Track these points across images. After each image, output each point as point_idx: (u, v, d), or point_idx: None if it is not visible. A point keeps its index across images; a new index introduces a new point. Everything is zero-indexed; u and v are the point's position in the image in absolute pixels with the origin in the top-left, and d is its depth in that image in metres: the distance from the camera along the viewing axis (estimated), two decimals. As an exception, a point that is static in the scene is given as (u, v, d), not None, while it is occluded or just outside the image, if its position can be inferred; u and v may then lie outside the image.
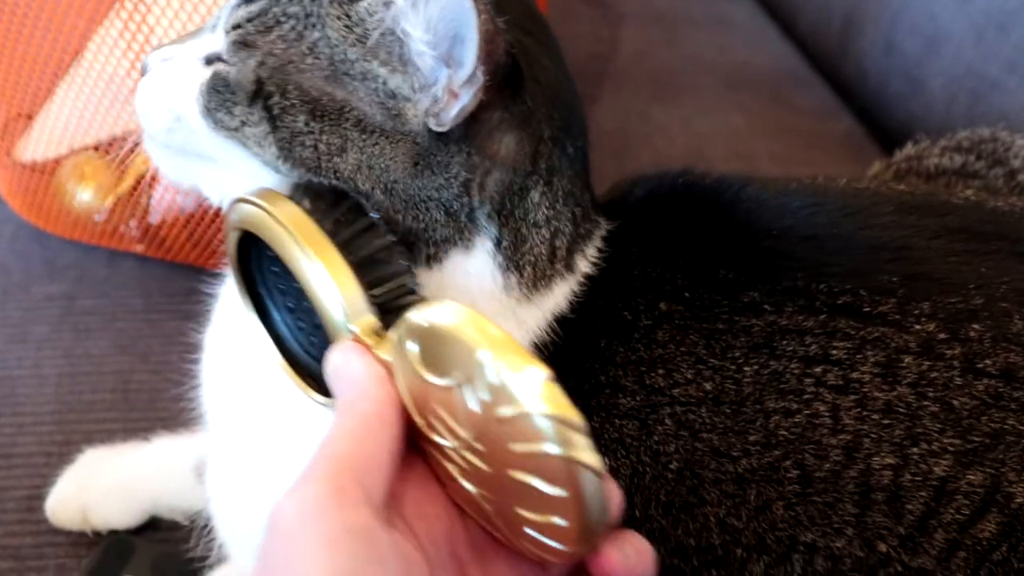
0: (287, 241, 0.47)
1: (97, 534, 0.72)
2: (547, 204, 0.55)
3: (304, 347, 0.53)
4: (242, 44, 0.53)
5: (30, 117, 0.88)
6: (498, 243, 0.54)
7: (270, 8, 0.53)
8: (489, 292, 0.54)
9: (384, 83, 0.51)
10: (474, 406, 0.40)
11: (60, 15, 0.79)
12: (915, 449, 0.52)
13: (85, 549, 0.72)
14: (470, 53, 0.48)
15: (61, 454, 0.76)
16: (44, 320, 0.88)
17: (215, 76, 0.54)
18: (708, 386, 0.54)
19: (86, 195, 0.88)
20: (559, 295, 0.56)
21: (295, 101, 0.52)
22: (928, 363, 0.53)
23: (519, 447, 0.39)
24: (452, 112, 0.50)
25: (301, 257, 0.47)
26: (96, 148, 0.86)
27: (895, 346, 0.54)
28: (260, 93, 0.52)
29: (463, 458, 0.42)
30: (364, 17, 0.51)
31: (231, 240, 0.52)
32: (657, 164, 1.14)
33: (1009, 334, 0.54)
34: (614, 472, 0.54)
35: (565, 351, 0.55)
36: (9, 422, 0.80)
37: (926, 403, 0.53)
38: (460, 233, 0.53)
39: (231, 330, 0.62)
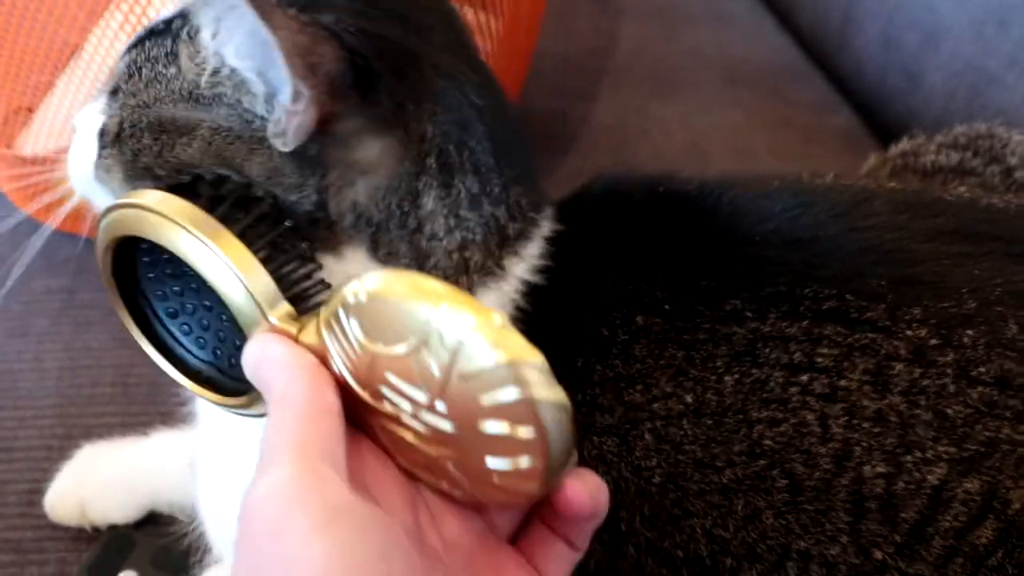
0: (180, 235, 0.45)
1: (96, 529, 0.73)
2: (446, 210, 0.53)
3: (194, 353, 0.52)
4: (114, 92, 0.55)
5: (30, 110, 0.88)
6: (374, 251, 0.52)
7: (138, 55, 0.55)
8: None
9: (239, 105, 0.51)
10: (433, 367, 0.40)
11: (60, 8, 0.79)
12: (908, 457, 0.52)
13: (85, 543, 0.72)
14: (283, 72, 0.46)
15: (62, 448, 0.76)
16: (44, 314, 0.88)
17: (98, 129, 0.55)
18: (688, 398, 0.54)
19: (86, 189, 0.88)
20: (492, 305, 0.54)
21: (144, 128, 0.52)
22: (920, 370, 0.52)
23: (483, 397, 0.39)
24: (290, 131, 0.48)
25: (201, 249, 0.45)
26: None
27: (885, 353, 0.53)
28: (120, 133, 0.53)
29: (422, 421, 0.42)
30: (201, 49, 0.52)
31: (105, 258, 0.50)
32: (656, 159, 1.15)
33: (1004, 339, 0.53)
34: None
35: None
36: (10, 416, 0.80)
37: (918, 411, 0.52)
38: (325, 241, 0.52)
39: None
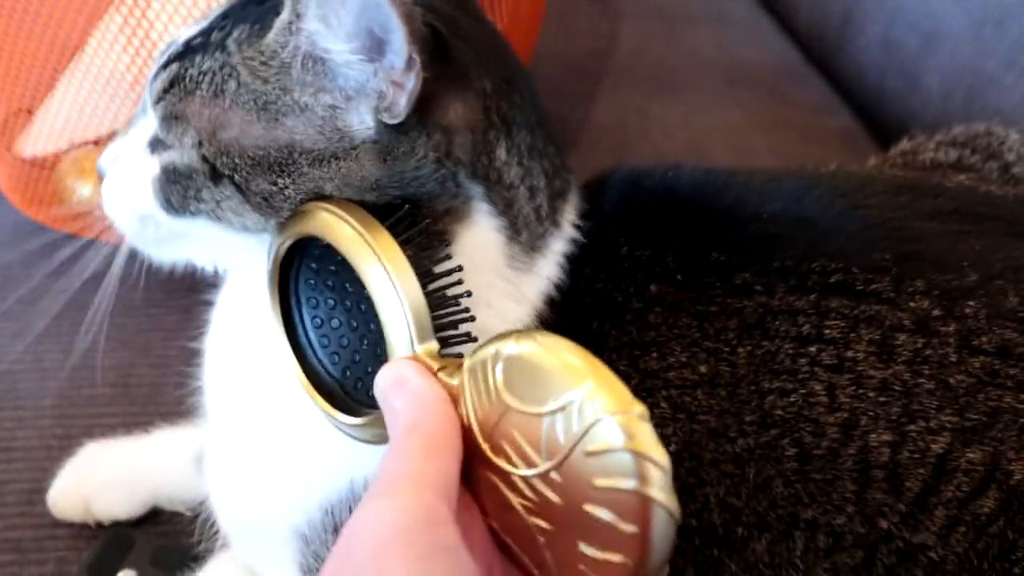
0: (366, 256, 0.47)
1: (99, 525, 0.73)
2: (516, 160, 0.54)
3: (324, 365, 0.53)
4: (172, 118, 0.53)
5: (30, 112, 0.88)
6: (493, 205, 0.54)
7: (184, 71, 0.53)
8: (497, 266, 0.54)
9: (317, 106, 0.50)
10: (561, 436, 0.40)
11: (60, 10, 0.79)
12: (912, 427, 0.53)
13: (85, 542, 0.72)
14: (400, 41, 0.47)
15: (61, 448, 0.77)
16: (44, 314, 0.88)
17: (165, 169, 0.53)
18: (703, 368, 0.54)
19: (86, 190, 0.88)
20: (552, 261, 0.56)
21: (249, 167, 0.51)
22: (923, 340, 0.53)
23: (599, 480, 0.39)
24: (402, 101, 0.49)
25: (380, 276, 0.47)
26: (96, 143, 0.86)
27: (889, 324, 0.54)
28: (217, 172, 0.52)
29: (531, 486, 0.42)
30: (276, 50, 0.51)
31: (283, 245, 0.51)
32: (656, 159, 1.15)
33: (1004, 311, 0.54)
34: None
35: (559, 331, 0.55)
36: (10, 416, 0.80)
37: (922, 380, 0.53)
38: (456, 201, 0.53)
39: (234, 328, 0.63)
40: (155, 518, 0.74)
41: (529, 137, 0.55)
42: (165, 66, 0.54)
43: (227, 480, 0.63)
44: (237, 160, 0.51)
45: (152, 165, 0.54)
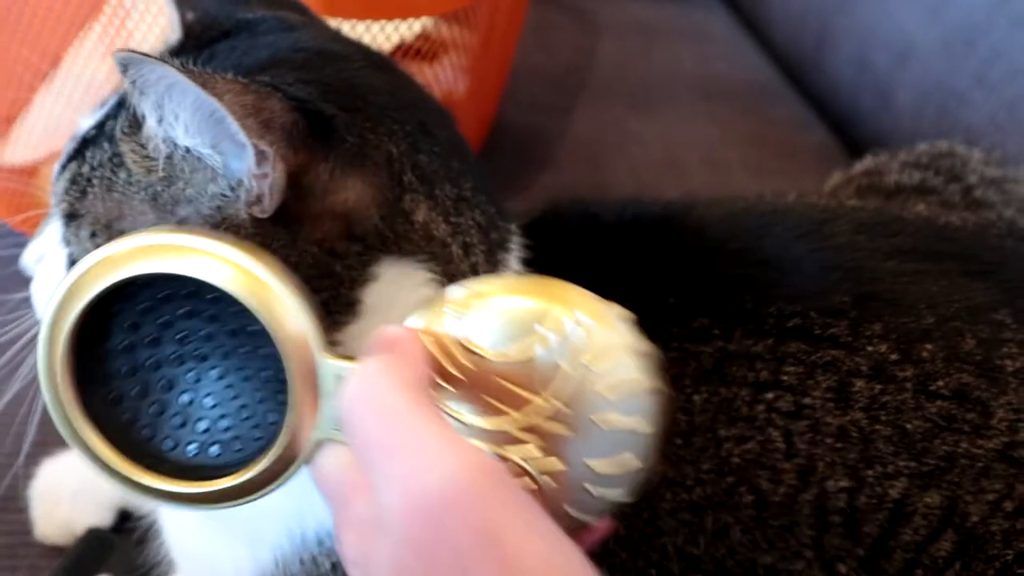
0: (230, 269, 0.42)
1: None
2: (441, 218, 0.51)
3: (170, 435, 0.46)
4: (70, 217, 0.51)
5: (10, 121, 0.88)
6: (424, 268, 0.51)
7: (79, 170, 0.51)
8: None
9: (204, 196, 0.48)
10: (555, 361, 0.40)
11: (40, 20, 0.80)
12: (870, 472, 0.53)
13: (59, 550, 0.72)
14: (239, 136, 0.44)
15: (35, 455, 0.76)
16: (21, 323, 0.88)
17: (68, 261, 0.52)
18: None
19: (65, 198, 0.88)
20: None
21: None
22: (880, 386, 0.54)
23: (606, 388, 0.40)
24: (265, 194, 0.46)
25: (260, 288, 0.42)
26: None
27: (847, 369, 0.54)
28: None
29: (532, 428, 0.41)
30: (152, 141, 0.49)
31: (68, 321, 0.44)
32: (632, 173, 1.16)
33: (961, 353, 0.54)
34: None
35: None
36: (-19, 424, 0.80)
37: (879, 427, 0.53)
38: (367, 274, 0.49)
39: None
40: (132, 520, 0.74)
41: (455, 190, 0.52)
42: (64, 166, 0.52)
43: (178, 517, 0.61)
44: None
45: (62, 258, 0.53)
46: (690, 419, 0.54)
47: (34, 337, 0.58)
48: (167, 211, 0.49)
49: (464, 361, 0.41)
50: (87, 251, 0.49)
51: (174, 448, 0.46)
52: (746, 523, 0.54)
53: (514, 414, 0.41)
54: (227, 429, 0.46)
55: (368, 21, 0.82)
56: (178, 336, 0.45)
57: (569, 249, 0.59)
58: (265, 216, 0.46)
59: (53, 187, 0.53)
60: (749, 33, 1.53)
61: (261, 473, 0.44)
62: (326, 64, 0.52)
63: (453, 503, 0.35)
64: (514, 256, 0.56)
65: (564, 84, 1.31)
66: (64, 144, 0.87)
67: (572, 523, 0.42)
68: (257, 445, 0.45)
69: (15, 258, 0.94)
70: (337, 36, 0.59)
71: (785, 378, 0.54)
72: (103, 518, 0.73)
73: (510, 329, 0.41)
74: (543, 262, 0.57)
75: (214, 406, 0.46)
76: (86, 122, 0.54)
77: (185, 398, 0.46)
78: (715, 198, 0.66)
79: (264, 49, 0.53)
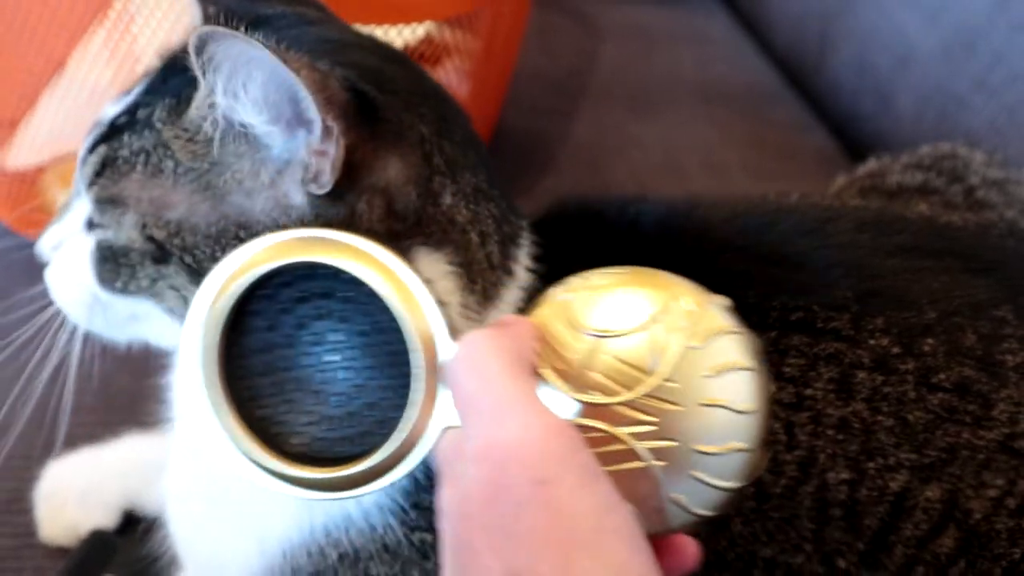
0: (384, 273, 0.45)
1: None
2: (463, 204, 0.52)
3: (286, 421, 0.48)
4: (107, 202, 0.51)
5: (14, 124, 0.89)
6: (445, 252, 0.52)
7: (116, 152, 0.51)
8: (448, 314, 0.52)
9: (257, 180, 0.49)
10: (666, 340, 0.43)
11: (44, 24, 0.80)
12: (871, 464, 0.53)
13: (63, 552, 0.72)
14: (311, 112, 0.46)
15: (41, 457, 0.77)
16: (26, 323, 0.89)
17: (98, 246, 0.52)
18: None
19: (69, 202, 0.89)
20: (507, 309, 0.55)
21: (203, 248, 0.50)
22: (882, 378, 0.54)
23: (711, 370, 0.43)
24: (326, 171, 0.47)
25: (404, 285, 0.45)
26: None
27: (849, 361, 0.54)
28: (166, 252, 0.50)
29: (641, 408, 0.43)
30: (200, 125, 0.50)
31: (231, 291, 0.46)
32: (633, 176, 1.17)
33: (962, 348, 0.55)
34: None
35: None
36: (-12, 425, 0.80)
37: (880, 418, 0.53)
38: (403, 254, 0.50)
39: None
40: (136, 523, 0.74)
41: (473, 179, 0.54)
42: (92, 148, 0.53)
43: (185, 510, 0.62)
44: (191, 239, 0.50)
45: (88, 243, 0.53)
46: None
47: (45, 342, 0.59)
48: (220, 198, 0.50)
49: (576, 343, 0.44)
50: (130, 239, 0.51)
51: (304, 444, 0.48)
52: (746, 515, 0.54)
53: (625, 393, 0.43)
54: (354, 425, 0.48)
55: (372, 25, 0.82)
56: (311, 336, 0.48)
57: (575, 246, 0.59)
58: (323, 192, 0.48)
59: (79, 170, 0.53)
60: (749, 36, 1.53)
61: (384, 460, 0.46)
62: (352, 53, 0.54)
63: (517, 453, 0.38)
64: (524, 251, 0.57)
65: (565, 88, 1.31)
66: (69, 146, 0.88)
67: (677, 517, 0.44)
68: (382, 438, 0.47)
69: (17, 260, 0.95)
70: (354, 31, 0.60)
71: (787, 370, 0.55)
72: (108, 520, 0.73)
73: (622, 313, 0.44)
74: (551, 258, 0.58)
75: (343, 403, 0.48)
76: (111, 108, 0.54)
77: (315, 396, 0.48)
78: (719, 197, 0.67)
79: (291, 41, 0.53)
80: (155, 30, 0.79)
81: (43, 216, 0.91)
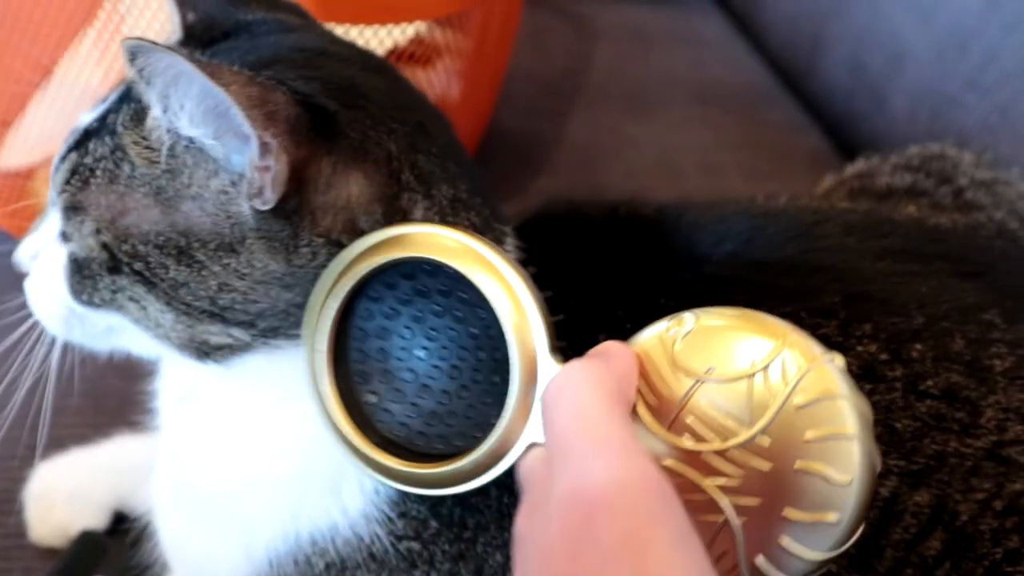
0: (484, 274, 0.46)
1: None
2: (438, 218, 0.52)
3: (392, 410, 0.50)
4: (71, 209, 0.51)
5: (5, 125, 0.89)
6: None
7: (82, 159, 0.51)
8: None
9: (208, 190, 0.49)
10: (767, 394, 0.41)
11: (35, 25, 0.80)
12: None
13: (53, 552, 0.72)
14: (243, 126, 0.45)
15: (29, 458, 0.76)
16: (15, 327, 0.88)
17: (68, 258, 0.52)
18: None
19: (60, 202, 0.88)
20: None
21: (151, 254, 0.50)
22: (870, 386, 0.54)
23: (812, 433, 0.40)
24: (267, 186, 0.47)
25: (511, 287, 0.46)
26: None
27: None
28: (116, 260, 0.50)
29: (731, 460, 0.41)
30: (154, 133, 0.49)
31: (352, 277, 0.47)
32: (628, 177, 1.17)
33: (951, 353, 0.55)
34: None
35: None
36: (-24, 427, 0.80)
37: None
38: None
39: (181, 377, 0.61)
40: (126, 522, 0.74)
41: (451, 191, 0.53)
42: (64, 157, 0.53)
43: (172, 517, 0.62)
44: (139, 247, 0.50)
45: (61, 254, 0.53)
46: None
47: (33, 343, 0.59)
48: (171, 206, 0.49)
49: (675, 381, 0.42)
50: (88, 248, 0.51)
51: (403, 434, 0.49)
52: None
53: (716, 443, 0.42)
54: (452, 425, 0.48)
55: (362, 25, 0.82)
56: (427, 331, 0.48)
57: (563, 250, 0.59)
58: (266, 208, 0.47)
59: (52, 179, 0.53)
60: (743, 37, 1.53)
61: (471, 464, 0.46)
62: (327, 64, 0.53)
63: (607, 505, 0.36)
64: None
65: (559, 88, 1.31)
66: (59, 149, 0.88)
67: None
68: (470, 443, 0.47)
69: (7, 261, 0.95)
70: (335, 39, 0.59)
71: None
72: (98, 520, 0.73)
73: (728, 357, 0.42)
74: (537, 263, 0.57)
75: (446, 402, 0.48)
76: (87, 115, 0.54)
77: (422, 391, 0.49)
78: (707, 201, 0.66)
79: (266, 48, 0.53)
80: (145, 31, 0.79)
81: (35, 217, 0.91)
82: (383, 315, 0.48)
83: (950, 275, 0.59)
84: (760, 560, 0.41)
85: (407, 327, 0.48)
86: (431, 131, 0.54)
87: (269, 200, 0.47)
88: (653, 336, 0.44)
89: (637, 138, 1.25)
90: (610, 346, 0.44)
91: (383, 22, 0.82)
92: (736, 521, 0.41)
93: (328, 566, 0.54)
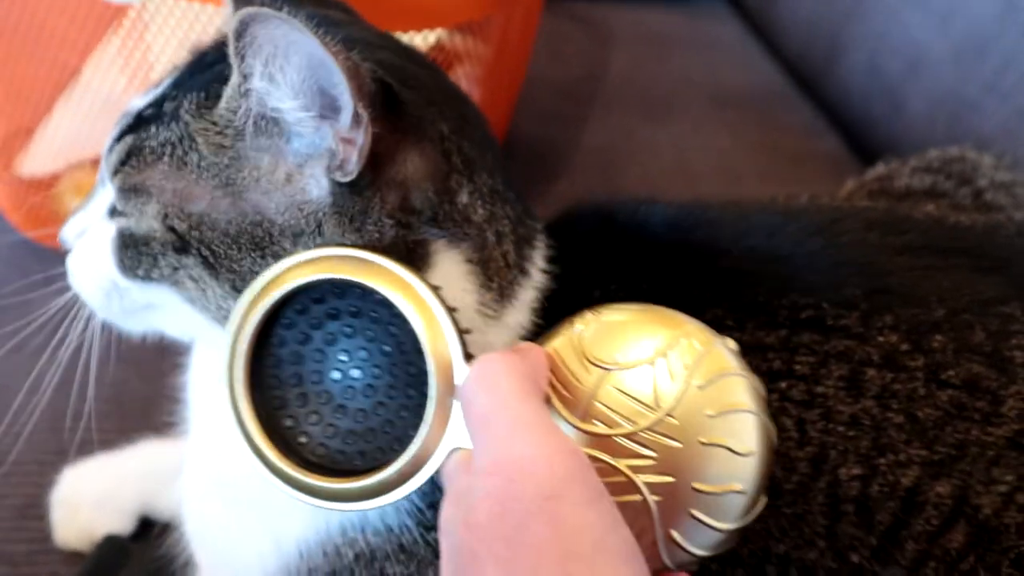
0: (398, 292, 0.46)
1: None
2: (479, 203, 0.54)
3: (308, 432, 0.49)
4: (131, 190, 0.52)
5: (29, 132, 0.89)
6: (462, 250, 0.53)
7: (142, 142, 0.52)
8: (466, 313, 0.53)
9: (276, 177, 0.50)
10: (672, 376, 0.44)
11: (60, 32, 0.81)
12: (882, 460, 0.53)
13: (79, 557, 0.73)
14: (345, 97, 0.46)
15: (56, 463, 0.77)
16: (40, 331, 0.89)
17: (119, 233, 0.53)
18: None
19: (83, 209, 0.89)
20: (521, 310, 0.56)
21: (222, 241, 0.51)
22: (892, 375, 0.54)
23: (714, 409, 0.44)
24: (353, 158, 0.48)
25: (422, 303, 0.46)
26: (94, 163, 0.88)
27: (858, 359, 0.55)
28: (185, 243, 0.51)
29: (641, 443, 0.44)
30: (229, 118, 0.50)
31: (265, 301, 0.47)
32: (645, 182, 1.17)
33: (971, 344, 0.55)
34: None
35: None
36: (5, 431, 0.80)
37: (891, 415, 0.54)
38: (421, 249, 0.51)
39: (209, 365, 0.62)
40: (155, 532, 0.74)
41: (490, 180, 0.55)
42: (119, 138, 0.53)
43: (201, 510, 0.62)
44: (209, 234, 0.51)
45: (110, 230, 0.54)
46: None
47: (55, 348, 0.59)
48: (237, 195, 0.50)
49: (585, 373, 0.45)
50: (151, 228, 0.52)
51: (323, 455, 0.49)
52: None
53: (627, 426, 0.44)
54: (371, 441, 0.49)
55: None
56: (340, 353, 0.49)
57: (589, 248, 0.60)
58: (347, 180, 0.49)
59: (105, 159, 0.54)
60: (760, 41, 1.53)
61: (394, 475, 0.46)
62: (378, 53, 0.54)
63: (528, 469, 0.39)
64: (539, 252, 0.58)
65: (576, 93, 1.31)
66: (83, 154, 0.89)
67: (673, 555, 0.44)
68: (393, 455, 0.47)
69: (33, 266, 0.95)
70: (382, 33, 0.60)
71: (798, 367, 0.55)
72: (123, 525, 0.74)
73: (630, 347, 0.45)
74: (565, 260, 0.58)
75: (363, 420, 0.49)
76: (138, 101, 0.55)
77: (339, 411, 0.49)
78: (728, 200, 0.67)
79: None
80: (168, 38, 0.80)
81: (58, 222, 0.92)
82: (296, 341, 0.49)
83: (970, 270, 0.59)
84: (675, 534, 0.44)
85: (319, 350, 0.49)
86: (472, 121, 0.56)
87: (351, 172, 0.48)
88: (561, 335, 0.47)
89: (654, 142, 1.25)
90: (521, 344, 0.47)
91: (406, 30, 0.83)
92: (652, 499, 0.44)
93: (357, 556, 0.55)
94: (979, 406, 0.54)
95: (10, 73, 0.85)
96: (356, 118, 0.47)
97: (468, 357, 0.46)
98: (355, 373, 0.49)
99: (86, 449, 0.78)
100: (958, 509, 0.53)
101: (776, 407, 0.54)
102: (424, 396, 0.46)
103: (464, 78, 0.95)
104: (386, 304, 0.47)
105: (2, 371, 0.86)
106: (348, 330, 0.49)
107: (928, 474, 0.53)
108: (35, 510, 0.74)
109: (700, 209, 0.63)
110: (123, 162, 0.53)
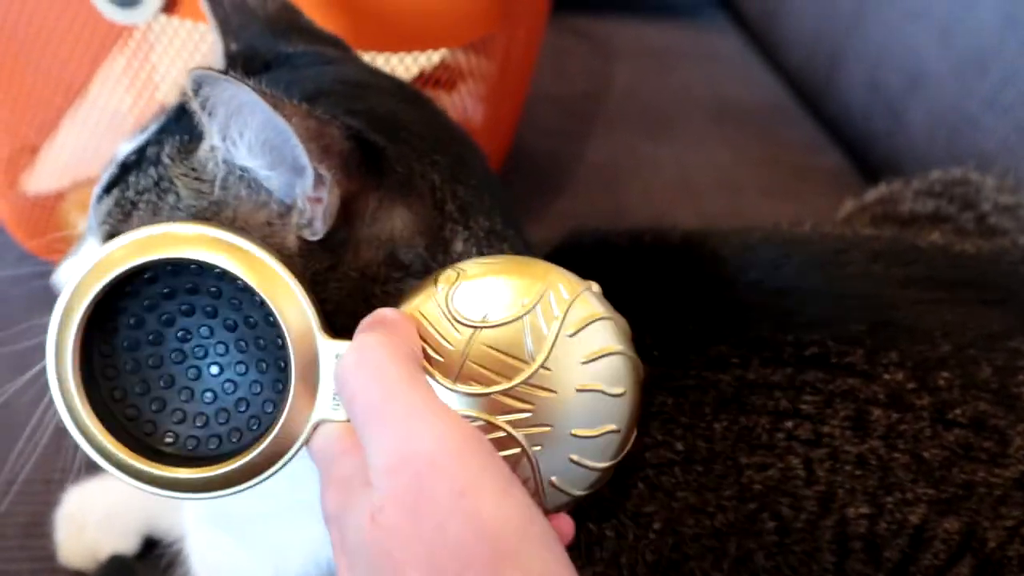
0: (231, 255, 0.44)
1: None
2: (475, 249, 0.52)
3: (171, 422, 0.48)
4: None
5: (35, 150, 0.90)
6: None
7: (123, 193, 0.52)
8: None
9: (254, 223, 0.49)
10: (542, 328, 0.44)
11: (66, 51, 0.81)
12: (889, 499, 0.53)
13: None
14: (302, 159, 0.45)
15: (61, 481, 0.77)
16: (45, 349, 0.89)
17: None
18: (679, 446, 0.55)
19: (88, 227, 0.89)
20: None
21: None
22: (897, 415, 0.54)
23: (585, 355, 0.44)
24: (318, 217, 0.47)
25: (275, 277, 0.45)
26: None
27: (864, 398, 0.55)
28: None
29: (518, 397, 0.44)
30: (206, 164, 0.50)
31: (88, 291, 0.45)
32: (647, 197, 1.17)
33: (978, 381, 0.55)
34: (599, 535, 0.55)
35: None
36: (9, 449, 0.81)
37: (897, 455, 0.54)
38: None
39: None
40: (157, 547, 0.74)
41: (487, 222, 0.54)
42: (107, 190, 0.53)
43: (204, 540, 0.62)
44: None
45: None
46: (711, 446, 0.55)
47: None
48: None
49: (454, 333, 0.44)
50: None
51: (174, 443, 0.47)
52: (769, 548, 0.54)
53: (503, 383, 0.44)
54: (225, 422, 0.48)
55: (389, 52, 0.83)
56: (179, 333, 0.47)
57: (590, 278, 0.60)
58: (315, 239, 0.48)
59: (93, 210, 0.54)
60: (761, 56, 1.53)
61: (260, 456, 0.45)
62: (368, 96, 0.54)
63: (437, 465, 0.38)
64: None
65: (579, 109, 1.32)
66: (88, 172, 0.89)
67: (554, 499, 0.45)
68: (254, 435, 0.46)
69: (39, 283, 0.95)
70: (373, 70, 0.60)
71: (804, 407, 0.55)
72: (128, 545, 0.74)
73: (497, 302, 0.44)
74: None
75: (213, 400, 0.48)
76: (124, 148, 0.55)
77: (184, 394, 0.48)
78: (732, 229, 0.67)
79: (309, 81, 0.54)
80: (174, 58, 0.80)
81: (63, 242, 0.92)
82: (128, 327, 0.47)
83: (976, 302, 0.59)
84: (556, 479, 0.45)
85: (156, 332, 0.47)
86: (468, 162, 0.55)
87: (318, 231, 0.48)
88: (424, 294, 0.46)
89: (656, 157, 1.25)
90: (384, 312, 0.45)
91: (410, 50, 0.83)
92: (532, 450, 0.44)
93: None
94: (986, 446, 0.54)
95: (16, 91, 0.85)
96: (318, 179, 0.46)
97: (327, 330, 0.45)
98: (198, 352, 0.47)
99: (92, 468, 0.78)
100: (965, 543, 0.53)
101: (783, 446, 0.54)
102: (279, 370, 0.45)
103: (468, 96, 0.95)
104: (225, 277, 0.45)
105: (6, 389, 0.86)
106: (186, 308, 0.47)
107: (936, 511, 0.53)
108: (40, 528, 0.74)
109: (703, 239, 0.63)
110: (109, 214, 0.52)
